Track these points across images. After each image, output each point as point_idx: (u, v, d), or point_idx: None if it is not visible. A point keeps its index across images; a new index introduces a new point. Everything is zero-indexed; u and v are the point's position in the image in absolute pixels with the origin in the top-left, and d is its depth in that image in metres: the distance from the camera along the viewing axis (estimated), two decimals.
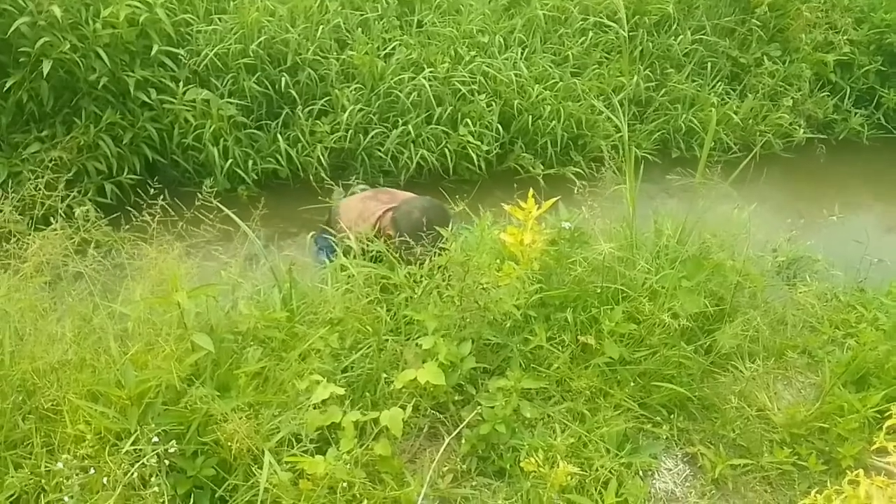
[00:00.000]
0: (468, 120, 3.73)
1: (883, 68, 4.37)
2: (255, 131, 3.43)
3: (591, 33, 4.06)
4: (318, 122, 3.51)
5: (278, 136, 3.40)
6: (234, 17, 3.41)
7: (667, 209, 2.73)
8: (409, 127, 3.60)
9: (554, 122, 3.84)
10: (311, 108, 3.52)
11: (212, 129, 3.23)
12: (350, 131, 3.51)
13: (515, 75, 3.79)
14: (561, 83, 3.91)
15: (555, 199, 2.36)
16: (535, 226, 2.18)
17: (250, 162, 3.35)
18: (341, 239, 2.46)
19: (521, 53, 3.94)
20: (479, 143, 3.72)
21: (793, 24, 4.26)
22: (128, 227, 2.00)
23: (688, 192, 2.70)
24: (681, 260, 2.31)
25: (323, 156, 3.46)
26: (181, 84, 3.22)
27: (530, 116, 3.83)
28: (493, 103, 3.79)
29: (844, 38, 4.28)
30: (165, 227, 2.00)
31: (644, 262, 2.21)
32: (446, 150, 3.70)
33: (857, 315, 2.59)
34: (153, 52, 3.15)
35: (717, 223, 2.60)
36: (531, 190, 2.30)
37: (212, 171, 3.30)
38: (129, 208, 2.08)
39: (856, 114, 4.34)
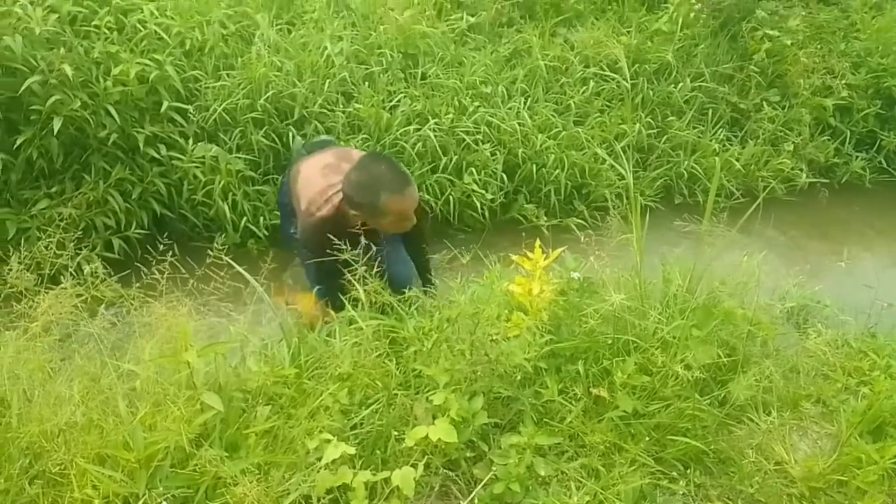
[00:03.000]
0: (473, 169, 3.76)
1: (882, 112, 4.41)
2: (263, 187, 3.46)
3: (591, 82, 4.12)
4: None
5: None
6: (242, 73, 3.47)
7: (674, 256, 2.72)
8: (414, 175, 3.63)
9: (557, 170, 3.87)
10: None
11: (221, 184, 3.26)
12: None
13: (518, 124, 3.84)
14: (564, 132, 3.96)
15: (561, 250, 2.37)
16: (543, 276, 2.19)
17: (259, 217, 3.37)
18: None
19: (524, 103, 4.00)
20: (483, 191, 3.74)
21: (790, 69, 4.32)
22: (138, 284, 2.00)
23: (694, 239, 2.69)
24: (691, 309, 2.30)
25: None
26: (190, 139, 3.26)
27: (534, 165, 3.86)
28: (498, 152, 3.83)
29: (842, 82, 4.34)
30: (175, 284, 2.00)
31: (654, 312, 2.19)
32: (451, 198, 3.72)
33: (869, 362, 2.56)
34: (163, 109, 3.19)
35: (725, 270, 2.60)
36: (538, 240, 2.31)
37: (221, 225, 3.32)
38: (138, 264, 2.09)
39: (857, 157, 4.37)
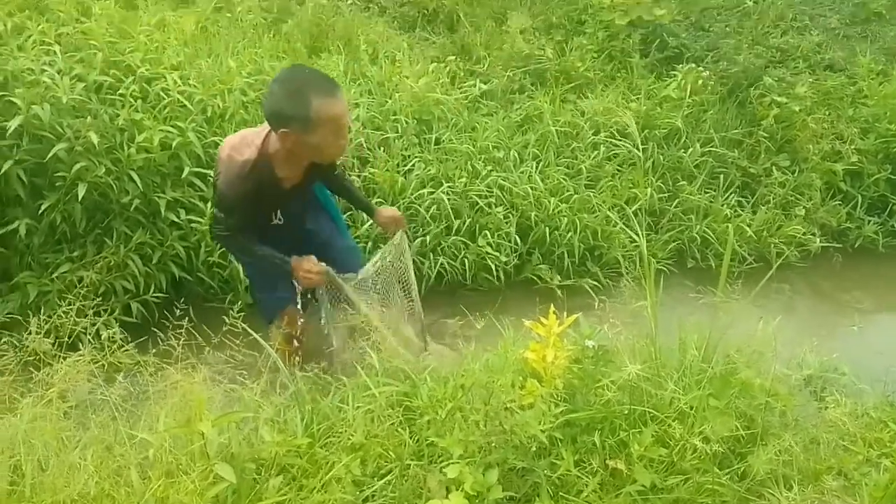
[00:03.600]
0: (486, 231, 3.80)
1: (892, 177, 4.45)
2: None
3: (602, 147, 4.19)
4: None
5: None
6: None
7: (689, 323, 2.71)
8: (428, 238, 3.67)
9: (570, 233, 3.90)
10: None
11: None
12: (370, 243, 3.58)
13: (531, 188, 3.89)
14: (576, 195, 4.00)
15: (575, 316, 2.36)
16: (557, 342, 2.18)
17: None
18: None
19: (536, 167, 4.06)
20: (497, 253, 3.77)
21: (799, 135, 4.38)
22: (154, 350, 2.02)
23: (708, 305, 2.68)
24: (707, 378, 2.28)
25: None
26: (209, 203, 3.33)
27: (547, 228, 3.89)
28: (511, 215, 3.87)
29: (852, 147, 4.39)
30: (191, 349, 2.02)
31: (671, 382, 2.17)
32: (465, 261, 3.75)
33: (890, 433, 2.50)
34: (184, 174, 3.27)
35: (740, 338, 2.58)
36: (552, 306, 2.31)
37: (235, 286, 3.35)
38: (155, 329, 2.11)
39: (869, 222, 4.37)
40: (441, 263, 3.70)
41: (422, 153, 3.87)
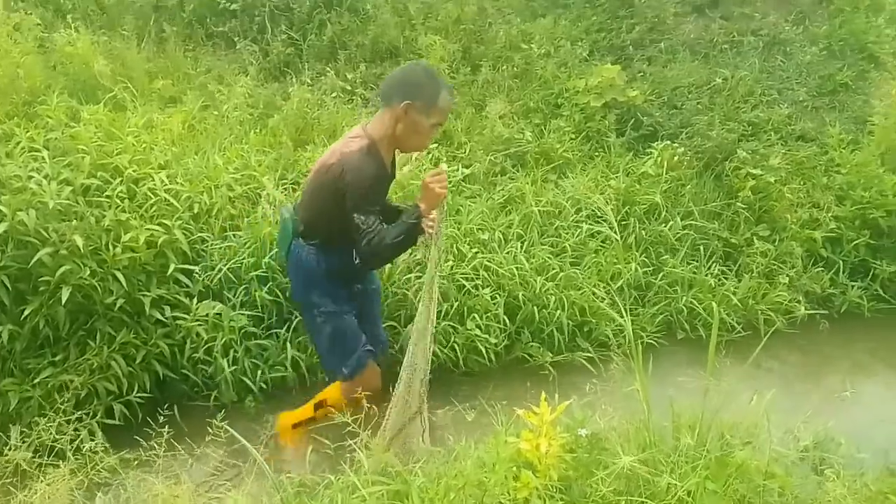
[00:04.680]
0: (475, 314, 3.79)
1: (872, 242, 4.51)
2: (264, 341, 3.48)
3: (585, 225, 4.25)
4: None
5: (287, 343, 3.44)
6: (247, 233, 3.59)
7: (682, 404, 2.68)
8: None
9: (558, 310, 3.90)
10: None
11: (223, 341, 3.28)
12: None
13: (516, 268, 3.92)
14: (561, 273, 4.03)
15: (567, 403, 2.35)
16: (550, 430, 2.15)
17: (259, 372, 3.37)
18: None
19: (521, 247, 4.10)
20: (486, 335, 3.76)
21: (776, 205, 4.47)
22: (136, 461, 1.98)
23: (700, 381, 2.67)
24: (703, 461, 2.24)
25: None
26: (195, 299, 3.32)
27: (535, 307, 3.90)
28: (498, 296, 3.87)
29: (829, 215, 4.48)
30: (173, 455, 1.98)
31: (667, 469, 2.14)
32: (456, 345, 3.73)
33: None
34: (169, 271, 3.28)
35: (735, 413, 2.56)
36: (543, 393, 2.30)
37: (220, 383, 3.31)
38: (137, 438, 2.07)
39: (853, 287, 4.41)
40: (431, 350, 3.68)
41: None
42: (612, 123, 5.02)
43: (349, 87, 5.18)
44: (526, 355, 3.90)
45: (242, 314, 3.42)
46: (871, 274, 4.50)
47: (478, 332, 3.75)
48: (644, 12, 5.81)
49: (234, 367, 3.35)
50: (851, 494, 2.65)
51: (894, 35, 5.83)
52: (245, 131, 4.45)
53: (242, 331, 3.41)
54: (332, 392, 3.08)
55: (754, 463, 2.24)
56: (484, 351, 3.73)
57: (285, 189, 3.95)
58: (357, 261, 2.74)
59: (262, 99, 4.85)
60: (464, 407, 2.49)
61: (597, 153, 4.90)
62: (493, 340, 3.77)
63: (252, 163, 4.00)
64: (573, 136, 4.96)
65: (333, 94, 5.03)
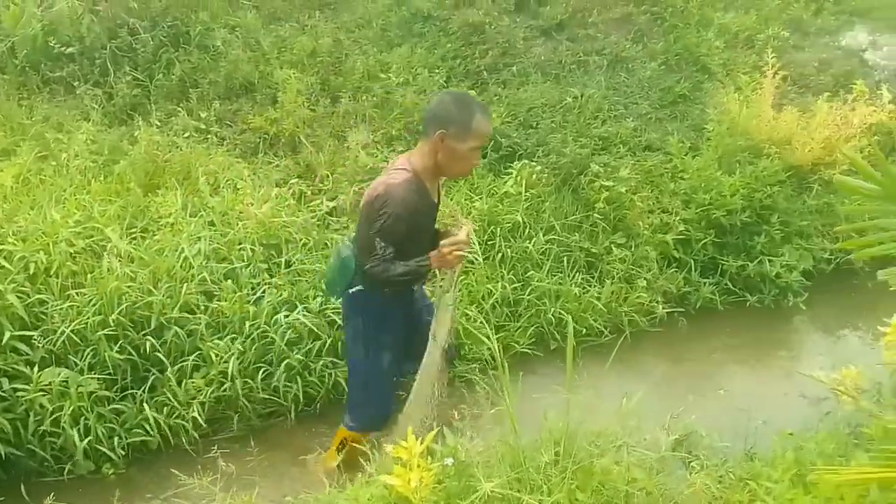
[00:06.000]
0: None
1: (717, 240, 4.85)
2: (120, 405, 3.24)
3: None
4: (190, 379, 3.39)
5: (145, 404, 3.23)
6: (92, 290, 3.35)
7: (552, 414, 2.73)
8: (293, 361, 3.55)
9: None
10: (181, 365, 3.41)
11: (70, 409, 3.03)
12: (227, 382, 3.41)
13: None
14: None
15: (434, 432, 2.34)
16: (421, 463, 2.14)
17: (115, 438, 3.13)
18: None
19: None
20: None
21: (629, 213, 4.72)
22: None
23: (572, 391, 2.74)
24: (569, 473, 2.29)
25: (200, 414, 3.32)
26: (36, 367, 3.05)
27: None
28: None
29: (677, 218, 4.78)
30: None
31: (535, 485, 2.17)
32: (339, 379, 3.65)
33: (749, 493, 2.61)
34: (4, 340, 3.00)
35: (606, 419, 2.65)
36: (410, 427, 2.28)
37: (73, 454, 3.04)
38: None
39: (705, 283, 4.72)
40: (311, 385, 3.59)
41: (272, 278, 3.79)
42: None
43: (203, 126, 5.00)
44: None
45: (92, 378, 3.18)
46: (719, 270, 4.82)
47: None
48: (495, 38, 6.01)
49: (87, 438, 3.11)
50: (715, 484, 2.80)
51: (722, 47, 6.35)
52: (88, 180, 4.18)
53: (93, 396, 3.16)
54: (340, 435, 3.10)
55: (616, 469, 2.31)
56: None
57: (134, 238, 3.74)
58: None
59: (107, 144, 4.58)
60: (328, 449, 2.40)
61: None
62: None
63: (95, 213, 3.75)
64: None
65: (186, 135, 4.84)
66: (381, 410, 3.06)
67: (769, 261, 4.73)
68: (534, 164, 4.87)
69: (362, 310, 2.92)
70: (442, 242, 2.65)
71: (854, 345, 4.57)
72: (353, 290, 2.86)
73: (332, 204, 4.43)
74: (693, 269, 4.76)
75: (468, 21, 6.05)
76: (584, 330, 4.29)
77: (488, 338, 3.20)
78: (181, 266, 3.62)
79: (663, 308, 4.48)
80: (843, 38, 6.82)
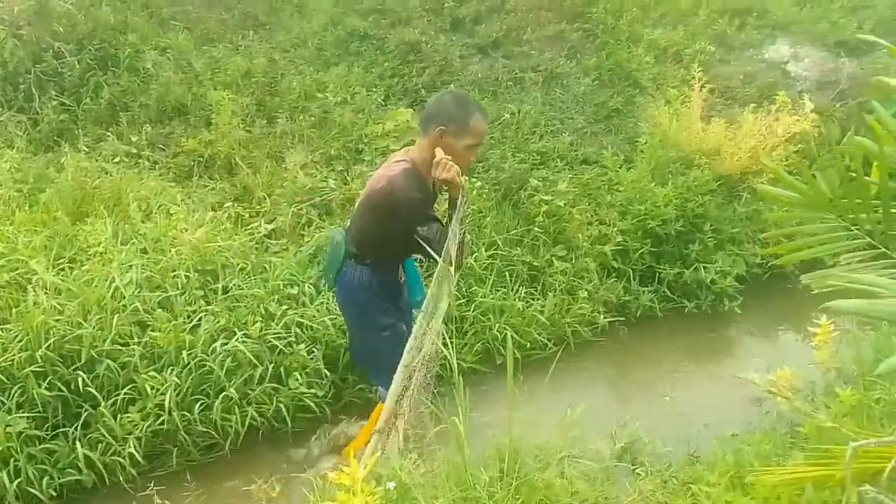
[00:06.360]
0: (295, 373, 3.66)
1: (654, 249, 4.97)
2: (51, 444, 3.10)
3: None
4: (126, 413, 3.27)
5: (78, 441, 3.09)
6: (17, 325, 3.21)
7: (498, 429, 2.73)
8: (233, 391, 3.46)
9: None
10: (115, 399, 3.29)
11: None
12: (164, 415, 3.30)
13: (329, 320, 3.85)
14: None
15: (377, 455, 2.31)
16: (364, 488, 2.11)
17: (46, 479, 2.99)
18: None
19: (333, 297, 4.03)
20: (312, 390, 3.65)
21: (568, 225, 4.80)
22: None
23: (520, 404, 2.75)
24: (513, 489, 2.29)
25: (137, 449, 3.20)
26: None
27: None
28: (315, 349, 3.78)
29: (615, 229, 4.88)
30: None
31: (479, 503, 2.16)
32: (280, 406, 3.58)
33: (692, 497, 2.66)
34: None
35: (550, 432, 2.67)
36: (353, 451, 2.24)
37: (3, 497, 2.89)
38: None
39: (644, 292, 4.82)
40: (250, 415, 3.50)
41: (209, 305, 3.70)
42: None
43: (134, 151, 4.87)
44: (356, 399, 3.85)
45: (20, 417, 3.03)
46: (657, 278, 4.94)
47: (304, 388, 3.64)
48: (432, 56, 6.06)
49: (17, 480, 2.95)
50: (660, 489, 2.85)
51: (652, 62, 6.54)
52: (12, 210, 4.00)
53: (22, 436, 3.01)
54: (378, 410, 3.04)
55: (559, 482, 2.33)
56: (313, 406, 3.63)
57: (61, 269, 3.59)
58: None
59: (32, 172, 4.41)
60: (269, 478, 2.34)
61: None
62: (321, 393, 3.69)
63: (20, 245, 3.59)
64: None
65: (116, 160, 4.71)
66: None
67: (704, 267, 4.87)
68: (474, 180, 4.90)
69: (360, 290, 3.01)
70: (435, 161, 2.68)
71: (789, 346, 4.73)
72: (349, 274, 2.99)
73: (270, 226, 4.37)
74: (632, 278, 4.86)
75: (405, 40, 6.09)
76: (529, 344, 4.32)
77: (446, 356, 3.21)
78: (112, 296, 3.49)
79: (605, 318, 4.56)
80: (766, 51, 7.11)
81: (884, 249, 1.98)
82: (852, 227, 2.01)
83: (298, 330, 3.78)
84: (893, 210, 1.96)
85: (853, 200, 1.97)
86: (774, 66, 6.90)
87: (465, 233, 2.84)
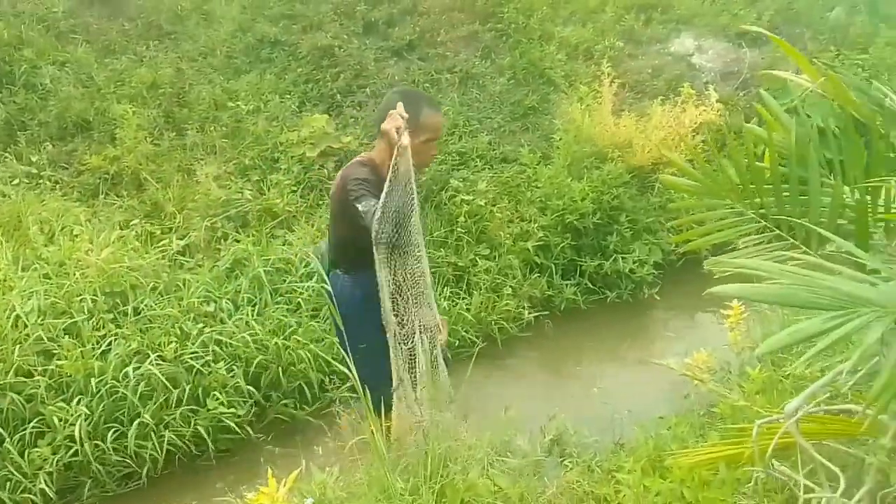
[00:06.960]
0: (215, 392, 3.54)
1: (574, 242, 5.06)
2: None
3: (316, 275, 4.21)
4: (34, 448, 3.10)
5: None
6: None
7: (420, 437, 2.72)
8: (147, 416, 3.33)
9: (303, 364, 3.81)
10: (22, 434, 3.11)
11: None
12: (75, 446, 3.14)
13: (249, 335, 3.75)
14: (300, 328, 3.94)
15: (298, 471, 2.27)
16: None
17: None
18: None
19: (253, 311, 3.94)
20: (233, 410, 3.54)
21: (490, 224, 4.84)
22: None
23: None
24: (439, 490, 2.28)
25: (48, 484, 3.03)
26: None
27: (279, 367, 3.77)
28: (235, 367, 3.67)
29: (536, 226, 4.94)
30: None
31: None
32: (199, 428, 3.45)
33: (615, 484, 2.71)
34: None
35: (478, 431, 2.67)
36: (270, 470, 2.20)
37: None
38: None
39: (567, 285, 4.90)
40: (167, 441, 3.37)
41: (119, 329, 3.55)
42: (331, 172, 5.08)
43: (35, 171, 4.64)
44: (280, 417, 3.75)
45: None
46: (579, 271, 5.03)
47: (223, 408, 3.52)
48: (346, 60, 6.00)
49: None
50: (585, 478, 2.89)
51: (564, 59, 6.66)
52: None
53: None
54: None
55: (481, 482, 2.33)
56: (235, 426, 3.51)
57: None
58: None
59: None
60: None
61: (321, 202, 4.91)
62: (241, 412, 3.58)
63: None
64: (294, 188, 4.93)
65: (15, 181, 4.47)
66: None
67: (622, 258, 4.99)
68: None
69: (347, 299, 2.86)
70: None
71: (706, 328, 4.87)
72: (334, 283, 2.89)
73: (182, 242, 4.23)
74: (554, 272, 4.93)
75: (317, 45, 6.02)
76: (458, 342, 4.32)
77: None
78: (13, 326, 3.31)
79: (530, 313, 4.62)
80: (672, 44, 7.36)
81: (778, 231, 2.08)
82: (749, 212, 2.10)
83: (217, 348, 3.67)
84: (784, 193, 2.05)
85: (749, 186, 2.05)
86: (680, 58, 7.14)
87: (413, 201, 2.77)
